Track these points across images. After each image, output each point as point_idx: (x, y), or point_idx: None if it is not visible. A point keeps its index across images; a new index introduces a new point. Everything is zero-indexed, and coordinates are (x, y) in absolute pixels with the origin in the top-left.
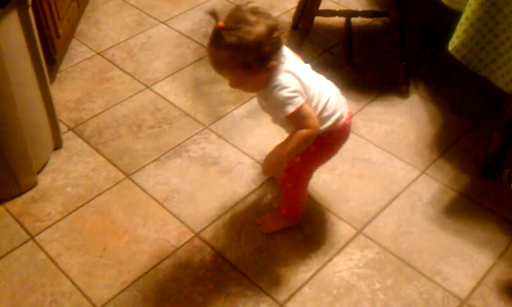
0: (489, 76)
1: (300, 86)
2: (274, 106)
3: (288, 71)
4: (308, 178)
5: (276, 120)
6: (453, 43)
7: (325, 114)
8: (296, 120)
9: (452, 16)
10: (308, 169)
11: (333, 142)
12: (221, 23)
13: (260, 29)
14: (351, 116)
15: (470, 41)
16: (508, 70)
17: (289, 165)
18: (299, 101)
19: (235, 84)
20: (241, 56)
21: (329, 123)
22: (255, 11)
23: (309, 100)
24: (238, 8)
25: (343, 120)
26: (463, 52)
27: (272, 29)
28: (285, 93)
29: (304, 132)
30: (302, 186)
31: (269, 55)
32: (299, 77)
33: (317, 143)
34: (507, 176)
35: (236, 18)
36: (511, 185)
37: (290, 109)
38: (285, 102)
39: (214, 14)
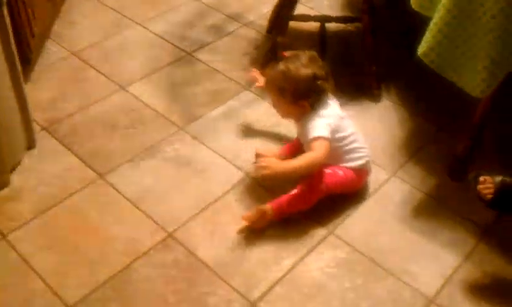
0: (457, 81)
1: (331, 126)
2: (305, 131)
3: (323, 116)
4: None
5: (306, 149)
6: (422, 48)
7: (361, 154)
8: (313, 145)
9: (422, 22)
10: (330, 188)
11: (359, 178)
12: (284, 53)
13: (306, 71)
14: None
15: (438, 46)
16: (474, 75)
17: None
18: (325, 133)
19: (272, 102)
20: (282, 83)
21: (362, 162)
22: (313, 58)
23: (345, 136)
24: (303, 50)
25: (370, 164)
26: (431, 57)
27: (316, 77)
28: (318, 122)
29: (312, 154)
30: (315, 201)
31: (303, 95)
32: (333, 119)
33: (351, 172)
34: (472, 179)
35: (296, 55)
36: (477, 188)
37: (316, 134)
38: (315, 128)
39: (279, 44)
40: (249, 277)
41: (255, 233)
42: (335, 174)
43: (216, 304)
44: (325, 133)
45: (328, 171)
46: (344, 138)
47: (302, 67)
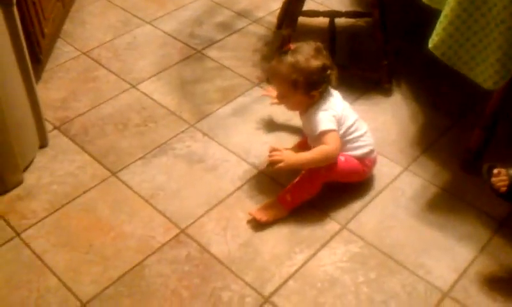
0: (468, 73)
1: (336, 117)
2: (311, 125)
3: (327, 109)
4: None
5: (311, 141)
6: (433, 41)
7: (363, 142)
8: (325, 139)
9: (433, 15)
10: (332, 173)
11: (364, 167)
12: (290, 46)
13: (316, 62)
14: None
15: (449, 39)
16: (486, 67)
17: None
18: (332, 126)
19: (280, 96)
20: (294, 75)
21: (365, 150)
22: (319, 49)
23: (348, 127)
24: (307, 42)
25: (375, 154)
26: (442, 50)
27: (326, 68)
28: (323, 115)
29: (327, 147)
30: (319, 187)
31: (315, 85)
32: (337, 111)
33: (354, 160)
34: (486, 171)
35: (302, 47)
36: (491, 180)
37: (324, 127)
38: (321, 121)
39: (287, 38)
40: (263, 272)
41: (267, 228)
42: (337, 159)
43: (229, 299)
44: (333, 126)
45: (341, 158)
46: (346, 128)
47: (311, 58)
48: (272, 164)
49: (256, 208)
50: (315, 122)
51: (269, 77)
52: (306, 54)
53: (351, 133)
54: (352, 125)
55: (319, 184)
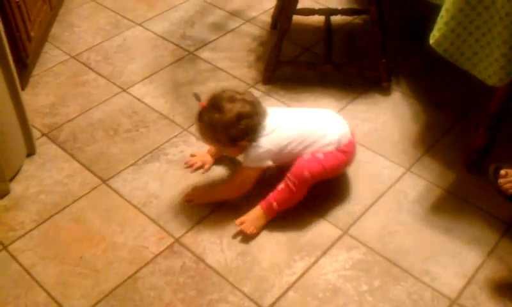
0: (472, 69)
1: (273, 151)
2: (244, 156)
3: (263, 147)
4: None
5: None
6: (434, 37)
7: (324, 142)
8: (244, 171)
9: (431, 11)
10: (325, 174)
11: (344, 155)
12: (203, 104)
13: (228, 116)
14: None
15: (451, 34)
16: (490, 63)
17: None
18: (257, 164)
19: (218, 150)
20: (214, 133)
21: (333, 146)
22: (232, 98)
23: (293, 141)
24: (218, 94)
25: (347, 137)
26: (444, 46)
27: (240, 118)
28: (254, 153)
29: (240, 181)
30: (305, 191)
31: (237, 138)
32: (276, 145)
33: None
34: (493, 172)
35: (213, 103)
36: (498, 181)
37: (248, 164)
38: (249, 158)
39: (197, 96)
40: (261, 282)
41: (265, 235)
42: (315, 159)
43: None
44: (258, 164)
45: (307, 157)
46: (292, 142)
47: (223, 114)
48: (187, 201)
49: (240, 220)
50: (245, 156)
51: (199, 138)
52: (216, 112)
53: (301, 143)
54: (296, 138)
55: (304, 188)
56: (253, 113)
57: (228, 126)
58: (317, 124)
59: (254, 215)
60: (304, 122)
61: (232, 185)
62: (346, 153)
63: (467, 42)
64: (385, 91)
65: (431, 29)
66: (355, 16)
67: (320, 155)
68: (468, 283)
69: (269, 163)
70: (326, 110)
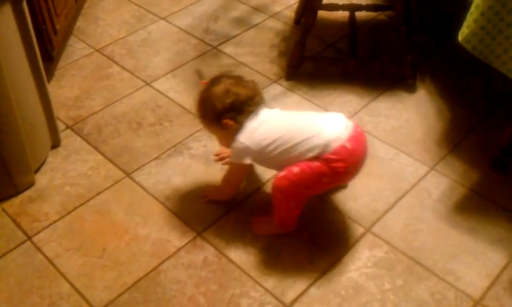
0: (501, 67)
1: (255, 151)
2: (231, 148)
3: (242, 143)
4: (300, 200)
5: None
6: (463, 33)
7: (306, 146)
8: (231, 167)
9: (459, 8)
10: (298, 191)
11: (331, 165)
12: (204, 81)
13: (218, 88)
14: (352, 139)
15: (480, 31)
16: None
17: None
18: (239, 160)
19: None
20: (204, 107)
21: (316, 151)
22: (231, 77)
23: (273, 142)
24: (222, 73)
25: (336, 144)
26: (473, 43)
27: (228, 91)
28: (235, 147)
29: (228, 175)
30: (293, 203)
31: (221, 113)
32: (256, 144)
33: (311, 164)
34: None
35: (213, 80)
36: None
37: (233, 159)
38: (234, 153)
39: (199, 74)
40: (283, 278)
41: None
42: (287, 171)
43: (248, 306)
44: (237, 160)
45: (281, 174)
46: (272, 143)
47: (214, 87)
48: (203, 196)
49: (256, 217)
50: (231, 150)
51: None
52: (216, 83)
53: (281, 145)
54: (278, 139)
55: (289, 203)
56: (242, 92)
57: (215, 97)
58: (305, 127)
59: (267, 220)
60: (292, 124)
61: (222, 181)
62: (332, 162)
63: (497, 40)
64: (410, 88)
65: (458, 26)
66: (379, 12)
67: (296, 169)
68: (492, 283)
69: (248, 161)
70: (332, 113)
